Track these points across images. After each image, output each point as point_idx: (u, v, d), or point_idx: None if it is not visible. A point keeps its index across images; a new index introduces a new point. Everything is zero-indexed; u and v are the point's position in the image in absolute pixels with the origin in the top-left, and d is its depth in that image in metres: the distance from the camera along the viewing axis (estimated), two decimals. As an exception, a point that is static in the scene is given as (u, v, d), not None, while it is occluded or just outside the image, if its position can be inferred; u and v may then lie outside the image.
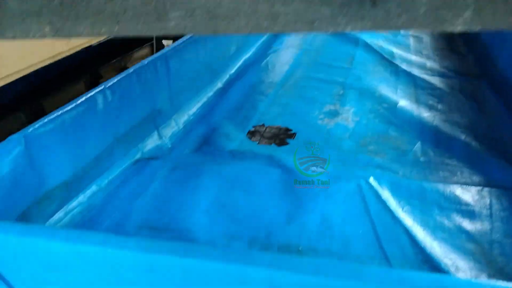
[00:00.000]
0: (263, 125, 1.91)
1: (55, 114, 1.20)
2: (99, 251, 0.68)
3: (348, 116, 1.94)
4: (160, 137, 1.74)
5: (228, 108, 2.09)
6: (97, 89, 1.38)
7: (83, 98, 1.32)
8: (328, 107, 2.04)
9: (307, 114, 1.99)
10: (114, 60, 2.32)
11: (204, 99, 2.13)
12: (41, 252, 0.71)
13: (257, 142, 1.76)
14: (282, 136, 1.79)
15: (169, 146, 1.74)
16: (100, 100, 1.37)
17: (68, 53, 2.32)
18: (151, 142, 1.69)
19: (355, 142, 1.72)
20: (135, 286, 0.71)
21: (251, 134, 1.83)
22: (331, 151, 1.64)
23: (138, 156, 1.60)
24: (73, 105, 1.27)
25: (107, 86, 1.42)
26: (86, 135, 1.32)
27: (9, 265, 0.75)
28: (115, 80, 1.46)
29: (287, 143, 1.74)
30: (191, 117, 1.97)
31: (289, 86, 2.32)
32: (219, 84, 2.32)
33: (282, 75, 2.47)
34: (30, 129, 1.12)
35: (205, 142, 1.77)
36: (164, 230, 1.22)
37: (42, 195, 1.17)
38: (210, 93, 2.19)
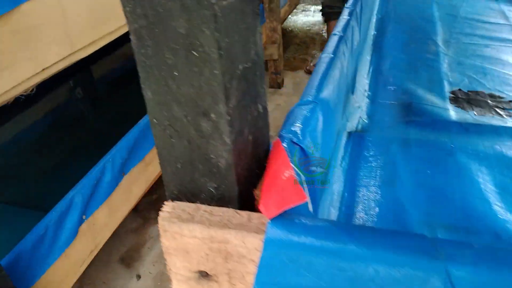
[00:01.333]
0: (459, 89, 1.54)
1: (333, 81, 0.84)
2: None
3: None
4: (353, 104, 1.38)
5: (397, 68, 1.71)
6: (336, 35, 1.01)
7: (332, 47, 0.95)
8: (526, 69, 1.66)
9: (505, 77, 1.62)
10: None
11: (367, 57, 1.76)
12: None
13: (474, 112, 1.40)
14: (500, 105, 1.43)
15: (365, 116, 1.38)
16: (344, 52, 1.00)
17: None
18: (350, 111, 1.33)
19: None
20: None
21: (457, 101, 1.47)
22: None
23: (348, 128, 1.25)
24: (328, 59, 0.91)
25: (339, 33, 1.05)
26: (339, 98, 0.97)
27: None
28: (340, 26, 1.09)
29: (514, 113, 1.38)
30: (366, 81, 1.60)
31: (452, 44, 1.93)
32: (369, 40, 1.93)
33: (428, 31, 2.07)
34: (318, 92, 0.76)
35: (410, 111, 1.40)
36: (469, 232, 0.89)
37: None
38: (369, 51, 1.82)
